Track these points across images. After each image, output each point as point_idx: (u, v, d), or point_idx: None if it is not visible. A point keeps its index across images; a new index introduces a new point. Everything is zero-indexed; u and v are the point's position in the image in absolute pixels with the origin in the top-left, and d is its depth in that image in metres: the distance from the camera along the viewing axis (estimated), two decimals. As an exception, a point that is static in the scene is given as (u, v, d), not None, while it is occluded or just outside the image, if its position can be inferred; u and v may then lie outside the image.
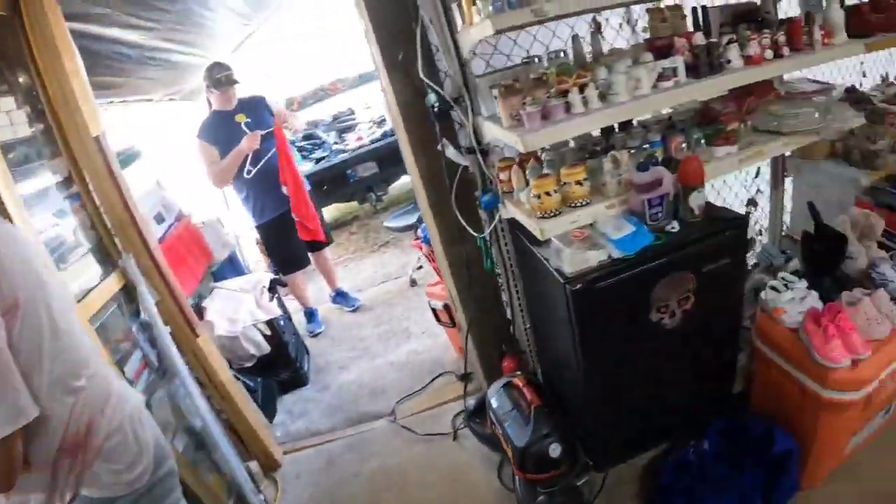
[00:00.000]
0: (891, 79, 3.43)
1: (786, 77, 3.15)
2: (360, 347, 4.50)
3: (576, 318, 2.10)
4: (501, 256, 2.75)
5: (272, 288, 4.17)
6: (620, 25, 3.03)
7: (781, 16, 2.89)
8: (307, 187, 4.54)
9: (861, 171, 2.96)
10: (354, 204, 7.47)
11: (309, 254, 4.69)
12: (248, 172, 4.12)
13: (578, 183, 2.14)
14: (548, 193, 2.11)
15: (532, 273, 2.53)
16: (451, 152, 2.59)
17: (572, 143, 2.59)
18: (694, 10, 2.69)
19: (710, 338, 2.37)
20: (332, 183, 6.67)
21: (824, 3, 2.72)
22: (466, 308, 3.04)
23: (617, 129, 2.59)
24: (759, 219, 3.60)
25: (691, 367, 2.45)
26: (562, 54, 2.51)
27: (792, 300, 2.39)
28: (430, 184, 2.75)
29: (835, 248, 2.46)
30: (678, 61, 2.24)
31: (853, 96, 2.99)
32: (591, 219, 2.18)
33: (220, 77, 3.96)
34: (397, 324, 4.64)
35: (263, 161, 4.14)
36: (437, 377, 3.77)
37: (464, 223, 2.67)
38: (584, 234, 2.16)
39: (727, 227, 2.18)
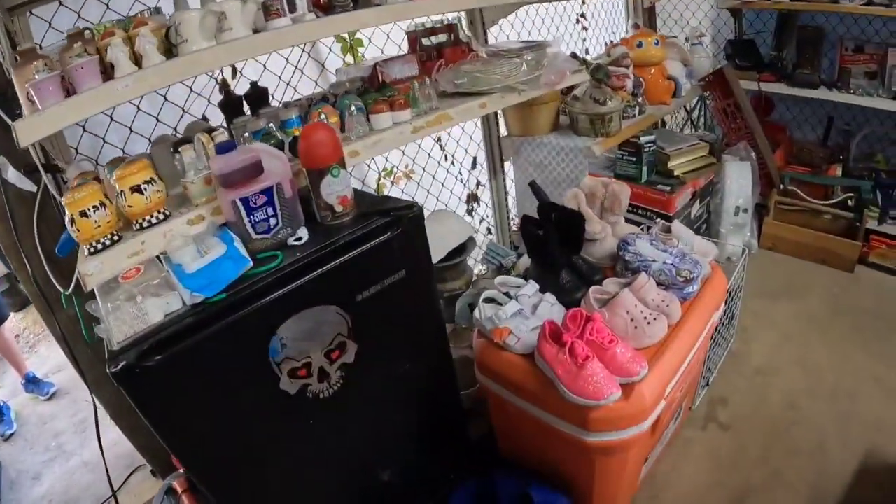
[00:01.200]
0: (615, 42, 2.98)
1: (492, 40, 2.57)
2: (55, 447, 3.81)
3: (145, 417, 1.20)
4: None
5: None
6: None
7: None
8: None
9: (591, 139, 2.40)
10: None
11: None
12: None
13: (137, 190, 1.26)
14: (85, 214, 1.22)
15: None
16: (11, 175, 1.68)
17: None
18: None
19: (403, 392, 1.62)
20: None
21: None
22: (100, 394, 2.08)
23: (249, 112, 1.78)
24: (485, 216, 2.97)
25: (392, 437, 1.70)
26: (148, 13, 1.63)
27: (518, 314, 1.68)
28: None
29: (567, 231, 1.78)
30: (296, -9, 1.48)
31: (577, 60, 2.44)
32: (162, 245, 1.30)
33: None
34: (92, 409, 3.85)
35: None
36: (131, 474, 3.13)
37: (50, 275, 1.75)
38: (139, 271, 1.27)
39: (391, 224, 1.41)
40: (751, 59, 3.64)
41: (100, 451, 2.97)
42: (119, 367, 1.11)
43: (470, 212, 2.90)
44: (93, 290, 1.30)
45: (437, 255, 2.18)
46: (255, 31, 1.42)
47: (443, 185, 2.81)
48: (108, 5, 1.80)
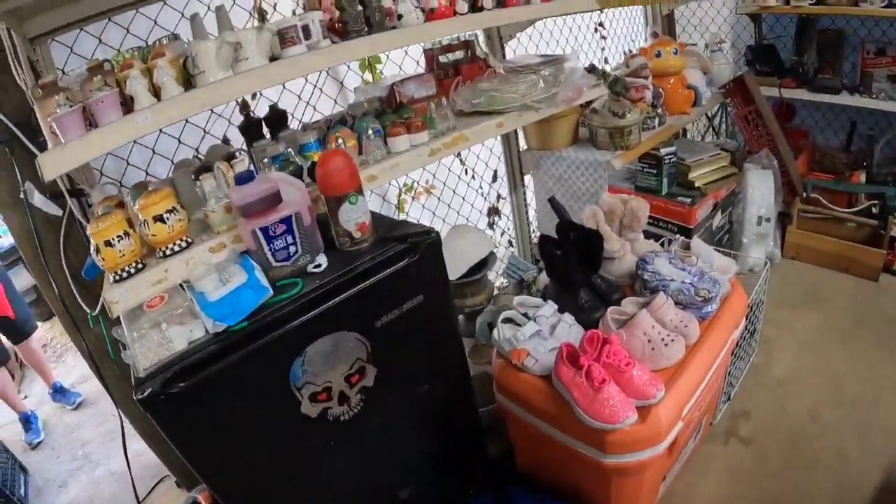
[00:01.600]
0: (633, 52, 2.97)
1: (510, 55, 2.57)
2: (81, 456, 3.85)
3: (171, 440, 1.23)
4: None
5: None
6: (293, 12, 2.24)
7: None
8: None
9: (611, 152, 2.40)
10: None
11: (12, 346, 3.96)
12: None
13: (160, 219, 1.29)
14: (109, 244, 1.26)
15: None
16: (38, 200, 1.72)
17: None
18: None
19: (422, 412, 1.65)
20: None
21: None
22: (125, 408, 2.14)
23: (268, 136, 1.80)
24: (506, 229, 2.97)
25: (411, 456, 1.71)
26: (165, 41, 1.66)
27: (536, 335, 1.69)
28: (27, 246, 1.85)
29: (586, 250, 1.79)
30: (311, 17, 1.50)
31: (594, 73, 2.45)
32: (184, 273, 1.33)
33: None
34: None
35: None
36: (156, 485, 3.13)
37: (77, 297, 1.79)
38: (163, 300, 1.30)
39: (409, 250, 1.42)
40: (771, 65, 3.61)
41: (126, 463, 3.04)
42: (145, 394, 1.14)
43: (491, 225, 2.90)
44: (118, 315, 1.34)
45: (457, 270, 2.19)
46: (272, 58, 1.45)
47: (463, 199, 2.82)
48: (127, 29, 1.85)
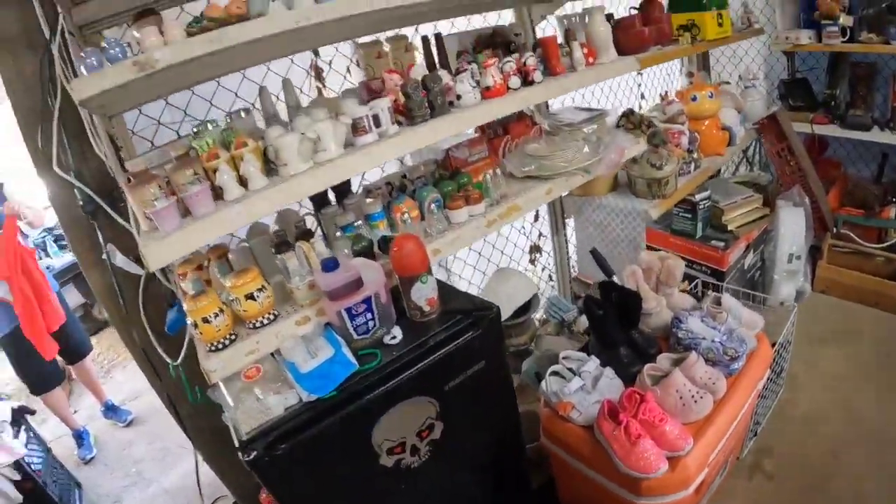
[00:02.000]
0: (670, 96, 3.10)
1: (553, 108, 2.74)
2: (134, 472, 3.93)
3: (270, 491, 1.45)
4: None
5: (17, 420, 3.38)
6: (348, 69, 2.43)
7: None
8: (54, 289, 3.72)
9: (648, 201, 2.56)
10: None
11: (67, 366, 4.13)
12: None
13: (251, 297, 1.50)
14: (206, 320, 1.46)
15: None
16: (119, 260, 1.91)
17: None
18: (424, 39, 2.15)
19: (477, 455, 1.85)
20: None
21: (587, 19, 2.31)
22: (194, 437, 2.37)
23: (334, 199, 2.00)
24: (547, 264, 3.14)
25: (465, 492, 1.91)
26: (242, 114, 1.86)
27: (580, 389, 1.87)
28: (108, 301, 2.04)
29: (626, 309, 1.97)
30: (381, 105, 1.69)
31: (632, 120, 2.59)
32: (275, 344, 1.54)
33: None
34: (173, 438, 4.00)
35: None
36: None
37: (158, 348, 1.98)
38: (259, 371, 1.51)
39: (474, 324, 1.62)
40: (804, 99, 3.70)
41: (180, 480, 3.25)
42: (252, 456, 1.35)
43: (532, 261, 3.08)
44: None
45: (503, 313, 2.37)
46: (347, 145, 1.63)
47: (507, 238, 3.00)
48: (211, 102, 2.04)
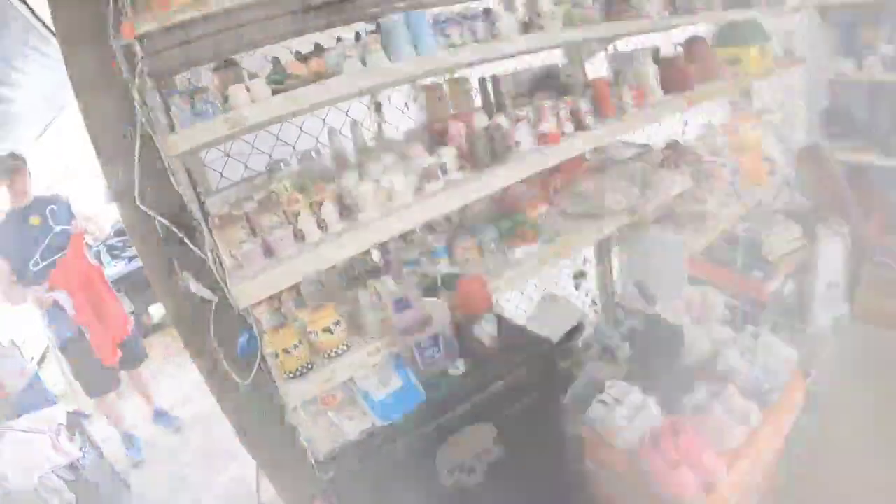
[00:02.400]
0: (716, 125, 3.20)
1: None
2: (181, 477, 4.04)
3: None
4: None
5: (72, 423, 3.50)
6: (406, 105, 2.59)
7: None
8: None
9: (691, 233, 2.66)
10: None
11: (122, 372, 4.17)
12: None
13: (327, 331, 1.66)
14: (287, 351, 1.63)
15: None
16: (193, 287, 2.09)
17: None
18: (481, 81, 2.30)
19: (529, 472, 1.96)
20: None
21: (633, 59, 2.44)
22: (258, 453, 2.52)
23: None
24: (590, 289, 3.25)
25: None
26: (313, 154, 2.03)
27: (626, 417, 2.01)
28: (181, 325, 2.21)
29: (669, 344, 2.09)
30: (447, 154, 1.85)
31: (677, 153, 2.70)
32: (349, 373, 1.70)
33: None
34: (220, 444, 4.13)
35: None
36: None
37: (229, 369, 2.14)
38: (336, 399, 1.68)
39: (530, 358, 1.77)
40: (845, 127, 3.76)
41: (227, 486, 3.34)
42: (329, 475, 1.53)
43: (577, 286, 3.19)
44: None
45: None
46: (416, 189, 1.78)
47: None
48: (277, 137, 2.14)
